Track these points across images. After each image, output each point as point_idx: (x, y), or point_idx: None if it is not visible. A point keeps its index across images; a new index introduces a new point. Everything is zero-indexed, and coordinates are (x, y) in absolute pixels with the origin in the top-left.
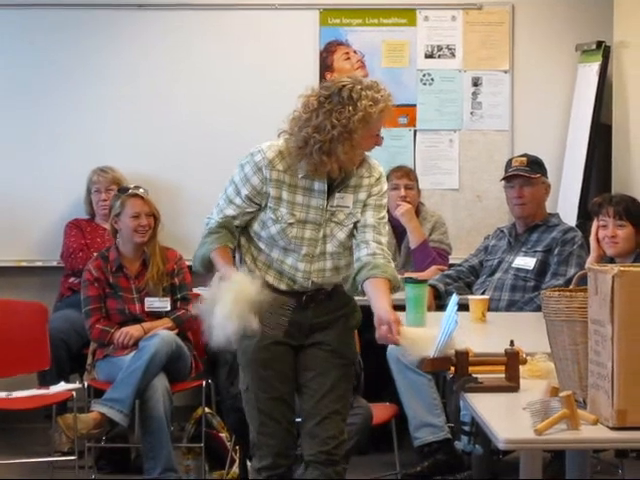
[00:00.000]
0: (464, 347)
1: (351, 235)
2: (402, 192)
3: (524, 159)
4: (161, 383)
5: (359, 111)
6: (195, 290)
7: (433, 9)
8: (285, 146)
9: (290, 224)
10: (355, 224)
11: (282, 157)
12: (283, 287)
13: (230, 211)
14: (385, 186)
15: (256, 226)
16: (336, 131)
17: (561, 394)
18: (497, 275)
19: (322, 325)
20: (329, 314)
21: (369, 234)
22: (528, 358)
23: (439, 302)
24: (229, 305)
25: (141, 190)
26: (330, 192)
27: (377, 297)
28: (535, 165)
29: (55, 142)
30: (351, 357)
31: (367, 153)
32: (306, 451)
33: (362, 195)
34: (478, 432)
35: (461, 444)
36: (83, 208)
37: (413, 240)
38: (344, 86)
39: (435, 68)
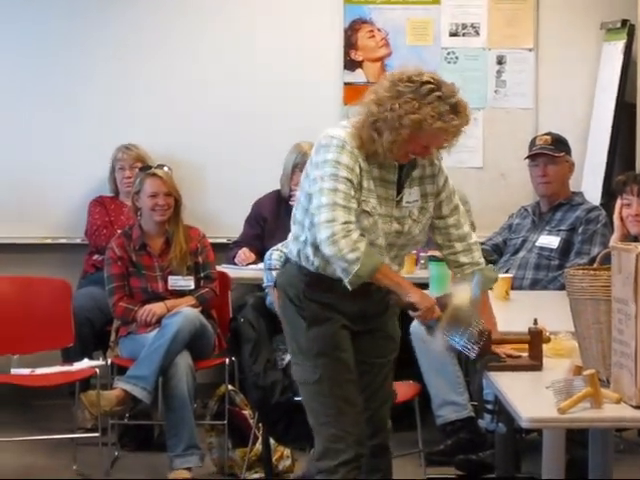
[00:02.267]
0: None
1: (423, 230)
2: None
3: (548, 137)
4: (184, 361)
5: (419, 114)
6: (218, 268)
7: None
8: (356, 133)
9: (380, 215)
10: (434, 223)
11: (360, 146)
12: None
13: (353, 205)
14: (446, 172)
15: None
16: (390, 115)
17: (584, 373)
18: (521, 254)
19: (378, 312)
20: (382, 302)
21: (453, 234)
22: (552, 337)
23: None
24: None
25: (165, 168)
26: (400, 186)
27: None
28: (559, 143)
29: (80, 120)
30: (399, 341)
31: None
32: None
33: (430, 188)
34: (501, 410)
35: (484, 422)
36: (107, 186)
37: None
38: (426, 82)
39: (459, 46)
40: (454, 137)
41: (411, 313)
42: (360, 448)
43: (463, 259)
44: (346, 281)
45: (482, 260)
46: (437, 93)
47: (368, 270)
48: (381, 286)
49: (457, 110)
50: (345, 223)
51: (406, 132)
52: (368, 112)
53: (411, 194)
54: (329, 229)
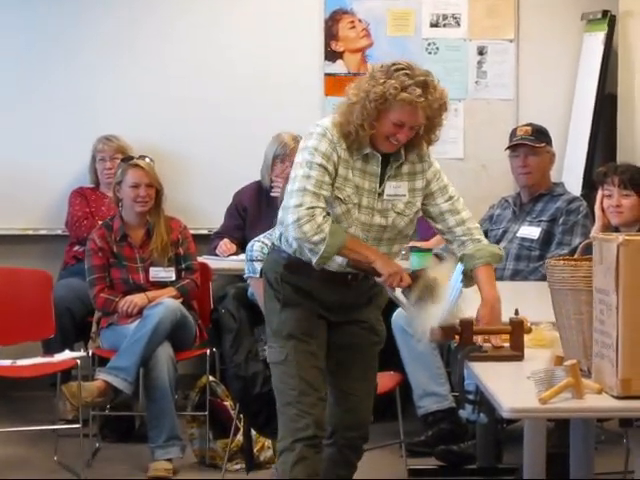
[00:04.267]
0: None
1: (410, 224)
2: None
3: (529, 128)
4: (165, 351)
5: (383, 86)
6: (200, 259)
7: None
8: (337, 122)
9: (354, 204)
10: (430, 212)
11: (342, 135)
12: (333, 268)
13: (324, 192)
14: (437, 165)
15: None
16: (363, 93)
17: (566, 363)
18: (502, 244)
19: (359, 304)
20: (365, 293)
21: (450, 220)
22: (533, 327)
23: None
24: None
25: (147, 159)
26: (382, 178)
27: (482, 284)
28: (540, 134)
29: (60, 110)
30: (383, 335)
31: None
32: (339, 433)
33: (419, 183)
34: (482, 401)
35: (465, 413)
36: (88, 177)
37: None
38: (395, 64)
39: (440, 37)
40: (427, 115)
41: (377, 279)
42: (319, 430)
43: (464, 237)
44: (314, 262)
45: (484, 240)
46: (405, 71)
47: (334, 250)
48: (352, 261)
49: (425, 87)
50: (310, 208)
51: (372, 106)
52: (348, 100)
53: (395, 188)
54: (295, 214)
